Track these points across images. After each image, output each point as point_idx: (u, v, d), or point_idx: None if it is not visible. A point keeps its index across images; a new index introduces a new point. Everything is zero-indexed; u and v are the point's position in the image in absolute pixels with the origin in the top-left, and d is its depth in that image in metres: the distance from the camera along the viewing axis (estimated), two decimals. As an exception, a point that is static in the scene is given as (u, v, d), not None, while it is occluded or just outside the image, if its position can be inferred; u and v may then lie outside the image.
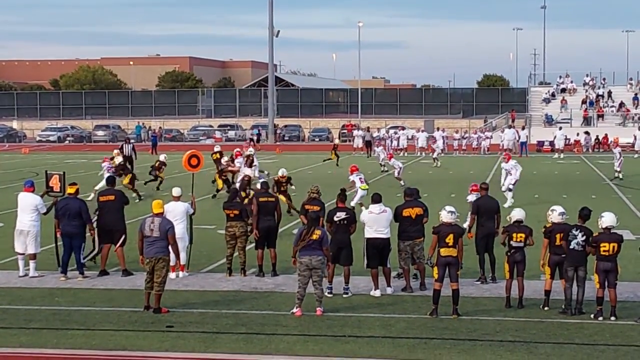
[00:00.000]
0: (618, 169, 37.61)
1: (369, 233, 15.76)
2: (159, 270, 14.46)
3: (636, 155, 55.07)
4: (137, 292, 15.44)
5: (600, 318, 13.86)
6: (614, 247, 13.84)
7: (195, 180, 21.56)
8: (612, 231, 14.02)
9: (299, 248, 14.33)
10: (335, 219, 15.83)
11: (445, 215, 14.49)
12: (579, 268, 14.22)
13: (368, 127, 63.34)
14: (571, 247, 14.25)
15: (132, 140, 46.64)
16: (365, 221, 15.82)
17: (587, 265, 14.32)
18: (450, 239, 14.14)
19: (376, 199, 16.01)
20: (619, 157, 37.73)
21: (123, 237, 17.64)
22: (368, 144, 57.63)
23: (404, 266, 16.16)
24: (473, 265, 17.13)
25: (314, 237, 14.27)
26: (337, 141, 56.12)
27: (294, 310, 14.22)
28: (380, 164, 42.26)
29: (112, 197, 17.98)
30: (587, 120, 71.31)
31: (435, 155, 48.34)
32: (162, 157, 34.01)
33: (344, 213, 15.89)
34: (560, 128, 61.18)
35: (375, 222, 15.69)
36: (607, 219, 14.10)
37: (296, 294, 14.30)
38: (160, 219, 14.79)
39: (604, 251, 13.85)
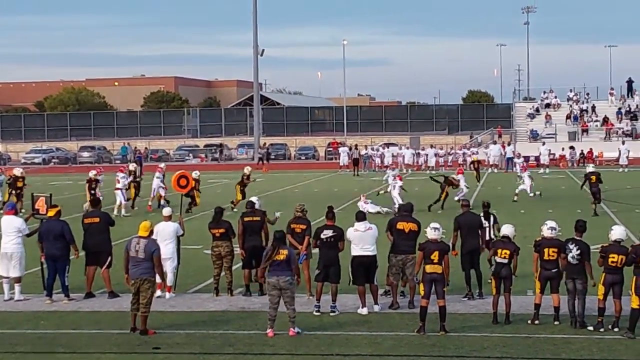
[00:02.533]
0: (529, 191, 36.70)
1: (355, 251, 15.76)
2: (144, 291, 14.40)
3: (621, 170, 55.30)
4: (124, 314, 15.37)
5: (602, 330, 13.91)
6: (622, 259, 13.91)
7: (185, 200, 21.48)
8: (621, 244, 14.11)
9: (266, 268, 14.29)
10: (323, 236, 15.85)
11: (430, 232, 14.54)
12: (576, 280, 14.31)
13: (356, 145, 63.37)
14: (568, 260, 14.39)
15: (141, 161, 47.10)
16: (351, 239, 15.83)
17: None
18: (435, 256, 14.18)
19: (360, 217, 16.03)
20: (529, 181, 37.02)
21: (109, 259, 17.57)
22: (356, 162, 57.59)
23: (393, 281, 16.19)
24: (460, 282, 17.15)
25: (280, 257, 14.16)
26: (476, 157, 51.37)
27: (267, 331, 14.16)
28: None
29: (96, 219, 17.90)
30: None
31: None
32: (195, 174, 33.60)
33: (331, 231, 15.89)
34: (544, 143, 61.41)
35: (361, 239, 15.70)
36: (617, 232, 14.28)
37: (267, 314, 14.27)
38: (146, 241, 14.75)
39: (612, 262, 13.94)
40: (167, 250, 16.82)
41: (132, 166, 35.80)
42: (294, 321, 14.18)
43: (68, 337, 14.34)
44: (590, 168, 33.74)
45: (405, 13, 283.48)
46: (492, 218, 18.24)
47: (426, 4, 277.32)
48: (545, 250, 14.58)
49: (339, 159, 62.48)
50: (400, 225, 16.20)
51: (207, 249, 18.57)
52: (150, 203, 33.70)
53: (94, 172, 33.35)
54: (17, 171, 34.51)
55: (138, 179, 34.90)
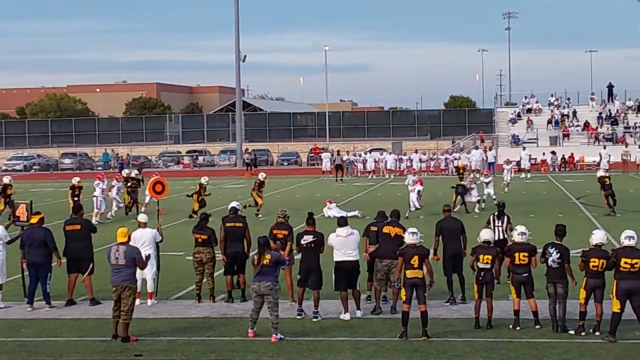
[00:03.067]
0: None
1: (338, 256, 15.77)
2: (125, 298, 14.35)
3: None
4: (105, 321, 15.31)
5: (583, 333, 13.97)
6: (603, 263, 13.97)
7: (167, 206, 21.44)
8: (601, 248, 14.17)
9: (254, 274, 14.39)
10: (303, 242, 15.88)
11: (409, 237, 14.57)
12: (557, 285, 14.37)
13: (338, 151, 63.43)
14: (548, 264, 14.43)
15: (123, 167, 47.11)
16: (334, 244, 15.84)
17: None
18: (415, 261, 14.21)
19: (342, 222, 16.05)
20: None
21: (91, 266, 17.50)
22: (338, 167, 57.58)
23: (377, 287, 16.25)
24: (442, 286, 17.18)
25: (265, 261, 14.29)
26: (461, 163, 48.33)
27: (248, 331, 14.35)
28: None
29: (77, 226, 17.82)
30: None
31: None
32: (203, 180, 33.43)
33: (311, 236, 15.91)
34: (524, 148, 61.77)
35: (343, 245, 15.71)
36: (597, 236, 14.32)
37: (249, 316, 14.47)
38: (126, 247, 14.70)
39: (594, 267, 14.00)
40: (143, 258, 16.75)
41: (125, 172, 35.64)
42: (277, 327, 14.17)
43: (49, 344, 14.27)
44: (600, 172, 33.93)
45: (386, 19, 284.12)
46: (505, 218, 18.52)
47: (408, 10, 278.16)
48: (516, 254, 14.69)
49: (321, 165, 62.53)
50: (386, 230, 16.28)
51: (189, 255, 18.55)
52: (158, 207, 33.51)
53: (77, 178, 33.30)
54: (6, 179, 34.38)
55: (135, 187, 34.77)
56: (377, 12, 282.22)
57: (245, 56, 78.22)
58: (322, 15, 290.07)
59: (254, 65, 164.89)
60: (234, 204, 18.86)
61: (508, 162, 45.07)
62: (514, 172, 39.45)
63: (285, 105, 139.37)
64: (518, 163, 59.07)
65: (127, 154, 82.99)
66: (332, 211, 31.71)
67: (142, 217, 17.67)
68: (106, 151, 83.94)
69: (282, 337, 14.15)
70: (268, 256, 14.36)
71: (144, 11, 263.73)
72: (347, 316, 15.58)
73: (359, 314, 15.73)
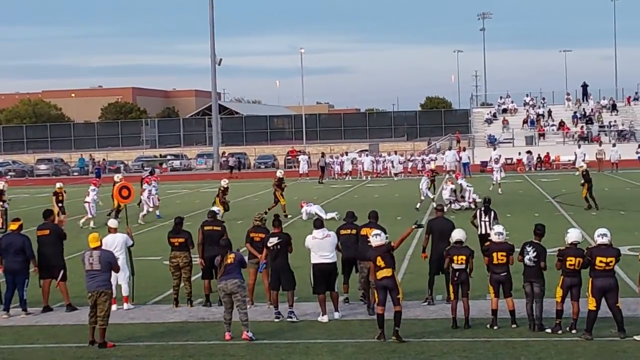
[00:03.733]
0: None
1: (314, 258, 15.76)
2: (101, 304, 14.28)
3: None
4: (82, 327, 15.22)
5: (560, 332, 14.04)
6: (579, 261, 14.03)
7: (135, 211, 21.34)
8: (577, 246, 14.24)
9: (219, 276, 14.44)
10: (269, 244, 15.95)
11: (373, 240, 14.54)
12: (534, 284, 14.42)
13: (322, 153, 63.49)
14: (525, 263, 14.48)
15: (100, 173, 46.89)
16: (310, 247, 15.83)
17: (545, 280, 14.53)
18: (380, 261, 14.17)
19: (318, 224, 16.07)
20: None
21: (62, 271, 17.38)
22: (322, 169, 57.77)
23: (359, 288, 16.37)
24: (420, 287, 17.27)
25: (229, 260, 14.37)
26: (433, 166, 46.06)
27: (225, 334, 14.35)
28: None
29: (46, 232, 17.71)
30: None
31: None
32: (223, 183, 33.32)
33: (277, 238, 15.96)
34: (495, 148, 62.08)
35: (320, 247, 15.71)
36: (573, 235, 14.36)
37: (223, 319, 14.51)
38: (100, 252, 14.64)
39: (570, 265, 14.06)
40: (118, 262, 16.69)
41: (117, 177, 35.46)
42: (246, 324, 14.23)
43: (25, 352, 14.18)
44: (585, 165, 35.49)
45: (362, 21, 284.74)
46: (492, 213, 19.07)
47: (383, 12, 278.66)
48: (494, 254, 14.73)
49: (299, 167, 62.54)
50: (364, 232, 16.30)
51: (167, 260, 18.49)
52: (157, 212, 34.26)
53: (59, 184, 33.28)
54: (1, 184, 34.21)
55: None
56: (352, 15, 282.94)
57: (220, 59, 78.11)
58: (298, 18, 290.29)
59: (230, 69, 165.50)
60: (214, 208, 18.88)
61: (497, 161, 45.13)
62: (456, 178, 39.14)
63: (261, 108, 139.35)
64: (483, 164, 59.32)
65: (103, 159, 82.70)
66: (313, 208, 31.79)
67: (112, 223, 17.59)
68: (82, 156, 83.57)
69: (252, 335, 14.20)
70: (232, 255, 14.46)
71: (118, 16, 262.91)
72: (325, 318, 15.57)
73: (337, 315, 15.72)
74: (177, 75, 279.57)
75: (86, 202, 32.34)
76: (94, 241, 14.76)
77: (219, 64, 78.12)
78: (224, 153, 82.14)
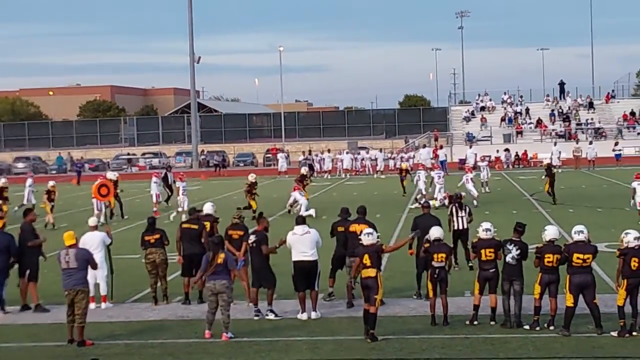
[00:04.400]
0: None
1: (294, 255, 15.76)
2: (79, 302, 14.24)
3: (554, 170, 56.06)
4: (60, 326, 15.15)
5: (538, 328, 14.12)
6: (557, 258, 14.13)
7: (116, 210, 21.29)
8: (555, 244, 14.32)
9: (208, 274, 14.36)
10: (249, 242, 16.08)
11: (364, 238, 14.56)
12: (514, 282, 14.48)
13: (310, 151, 63.48)
14: (507, 261, 14.52)
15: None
16: (291, 243, 15.83)
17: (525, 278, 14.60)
18: (366, 260, 14.20)
19: (299, 220, 16.09)
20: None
21: (28, 271, 17.23)
22: (310, 167, 57.66)
23: (348, 283, 16.46)
24: (399, 285, 17.37)
25: (219, 260, 14.36)
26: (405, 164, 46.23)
27: (205, 332, 14.30)
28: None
29: (19, 231, 17.63)
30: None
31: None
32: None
33: (254, 236, 16.03)
34: (471, 147, 62.36)
35: (299, 243, 15.69)
36: (550, 232, 14.48)
37: (206, 317, 14.44)
38: (75, 250, 14.59)
39: (548, 262, 14.15)
40: (96, 260, 16.62)
41: (112, 175, 35.40)
42: (227, 326, 14.25)
43: (3, 351, 14.12)
44: (548, 160, 35.40)
45: (340, 19, 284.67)
46: (467, 209, 20.17)
47: (361, 10, 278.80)
48: (482, 251, 14.76)
49: (278, 165, 62.52)
50: (353, 228, 16.39)
51: (144, 259, 18.43)
52: (155, 209, 34.08)
53: (52, 182, 33.27)
54: (1, 181, 34.10)
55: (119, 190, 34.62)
56: (330, 13, 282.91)
57: (199, 58, 77.97)
58: (276, 17, 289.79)
59: (209, 67, 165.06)
60: (205, 205, 18.97)
61: (483, 159, 45.22)
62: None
63: (240, 106, 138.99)
64: (462, 161, 59.51)
65: (82, 157, 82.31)
66: (301, 199, 32.28)
67: (91, 221, 17.55)
68: (60, 155, 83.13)
69: (232, 336, 14.21)
70: (222, 255, 14.46)
71: (96, 14, 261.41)
72: (304, 316, 15.59)
73: (314, 315, 15.67)
74: (155, 73, 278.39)
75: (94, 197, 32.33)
76: (70, 239, 14.70)
77: (198, 62, 77.98)
78: (202, 151, 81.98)
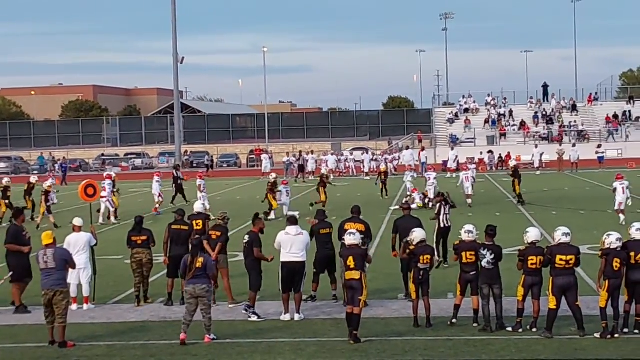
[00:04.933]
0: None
1: (284, 256, 15.70)
2: (58, 302, 14.15)
3: (539, 172, 56.39)
4: (41, 327, 15.04)
5: (520, 330, 14.13)
6: (540, 260, 14.15)
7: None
8: (537, 245, 14.34)
9: (188, 278, 14.20)
10: (243, 242, 15.93)
11: (348, 238, 14.56)
12: (493, 286, 14.49)
13: (300, 152, 63.50)
14: (483, 266, 14.51)
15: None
16: (282, 242, 15.78)
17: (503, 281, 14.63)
18: (350, 262, 14.18)
19: (292, 221, 16.05)
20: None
21: (11, 273, 17.16)
22: (301, 168, 57.85)
23: (343, 283, 16.42)
24: (382, 286, 17.35)
25: (198, 264, 14.18)
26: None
27: (180, 334, 14.08)
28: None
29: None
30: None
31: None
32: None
33: (248, 236, 16.01)
34: (452, 148, 62.53)
35: (291, 243, 15.66)
36: (532, 234, 14.45)
37: (182, 319, 14.25)
38: (53, 250, 14.49)
39: (532, 264, 14.15)
40: (80, 260, 16.58)
41: (112, 173, 35.69)
42: (210, 328, 14.14)
43: (-16, 352, 14.01)
44: (514, 162, 37.52)
45: (325, 20, 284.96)
46: (448, 207, 21.07)
47: (345, 11, 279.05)
48: (464, 253, 14.77)
49: (261, 166, 62.45)
50: (347, 226, 16.43)
51: (128, 259, 18.37)
52: (157, 207, 34.87)
53: (51, 180, 33.26)
54: (5, 181, 33.99)
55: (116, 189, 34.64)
56: (314, 14, 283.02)
57: (183, 58, 77.74)
58: (260, 17, 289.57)
59: (192, 67, 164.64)
60: (196, 204, 19.06)
61: (471, 161, 45.32)
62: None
63: (224, 107, 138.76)
64: (445, 163, 59.64)
65: (64, 157, 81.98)
66: (284, 198, 32.58)
67: (77, 221, 17.44)
68: (42, 155, 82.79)
69: (215, 337, 14.12)
70: (201, 259, 14.28)
71: (79, 13, 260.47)
72: (287, 317, 15.56)
73: (297, 317, 15.61)
74: (139, 74, 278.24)
75: (102, 197, 32.23)
76: (48, 239, 14.61)
77: (182, 62, 77.74)
78: (186, 152, 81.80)
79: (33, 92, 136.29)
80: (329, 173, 58.92)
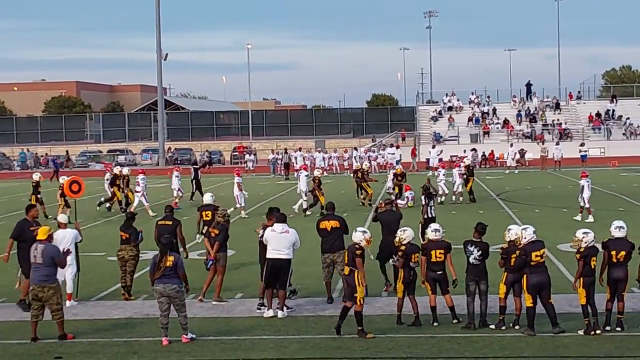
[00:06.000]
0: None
1: (270, 253, 15.68)
2: (49, 298, 14.12)
3: (512, 171, 56.40)
4: (24, 323, 14.99)
5: (503, 328, 14.18)
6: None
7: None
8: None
9: (156, 277, 13.89)
10: (258, 237, 16.30)
11: (356, 236, 14.63)
12: (479, 282, 14.53)
13: (285, 149, 63.35)
14: (470, 262, 14.55)
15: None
16: (268, 239, 15.78)
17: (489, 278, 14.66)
18: (345, 257, 14.28)
19: (281, 219, 16.02)
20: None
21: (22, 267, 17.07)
22: (286, 166, 57.52)
23: (324, 279, 16.65)
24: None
25: (168, 263, 13.92)
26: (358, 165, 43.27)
27: (162, 339, 13.84)
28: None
29: None
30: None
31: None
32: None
33: (262, 231, 16.14)
34: (434, 146, 62.62)
35: (276, 241, 15.66)
36: (514, 232, 14.51)
37: (159, 322, 13.98)
38: (45, 245, 14.43)
39: (514, 262, 14.20)
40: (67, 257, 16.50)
41: (125, 170, 35.52)
42: (186, 327, 13.95)
43: (-34, 349, 13.93)
44: (468, 161, 38.34)
45: (309, 17, 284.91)
46: (434, 200, 22.70)
47: (330, 9, 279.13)
48: (432, 252, 14.78)
49: (245, 164, 62.37)
50: (322, 225, 16.58)
51: (111, 256, 18.35)
52: (176, 201, 34.97)
53: (64, 177, 33.18)
54: (36, 176, 33.87)
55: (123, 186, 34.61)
56: (299, 11, 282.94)
57: (167, 54, 77.51)
58: (245, 14, 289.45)
59: (176, 64, 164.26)
60: (205, 196, 19.56)
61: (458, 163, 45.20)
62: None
63: (207, 104, 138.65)
64: (427, 161, 59.77)
65: (46, 153, 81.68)
66: (301, 183, 33.01)
67: (62, 218, 17.38)
68: (23, 150, 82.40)
69: (194, 336, 14.00)
70: (171, 258, 13.96)
71: (62, 9, 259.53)
72: (270, 313, 15.54)
73: (280, 314, 15.57)
74: (122, 70, 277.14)
75: (137, 191, 32.84)
76: (42, 234, 14.60)
77: (165, 59, 77.50)
78: (169, 149, 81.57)
79: (15, 88, 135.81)
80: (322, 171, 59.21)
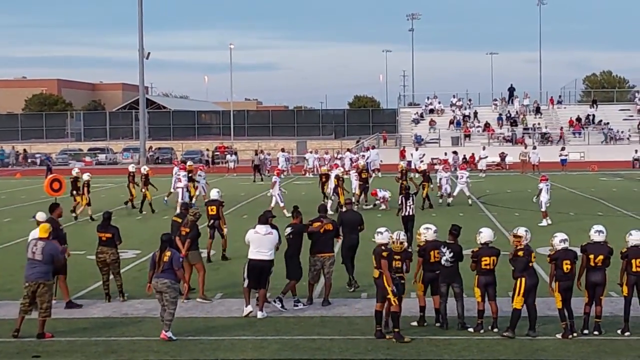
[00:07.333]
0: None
1: (252, 254, 15.72)
2: (42, 295, 14.15)
3: (482, 174, 56.38)
4: (3, 322, 14.94)
5: (482, 331, 14.23)
6: (493, 260, 14.28)
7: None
8: (490, 245, 14.45)
9: (157, 273, 14.20)
10: (285, 234, 16.49)
11: (376, 237, 14.66)
12: (452, 284, 14.59)
13: (262, 150, 63.08)
14: (442, 264, 14.60)
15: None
16: (250, 240, 15.78)
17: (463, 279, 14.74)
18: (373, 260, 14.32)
19: (263, 220, 16.03)
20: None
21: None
22: (257, 168, 55.73)
23: (310, 281, 16.70)
24: (345, 285, 17.43)
25: (165, 259, 14.22)
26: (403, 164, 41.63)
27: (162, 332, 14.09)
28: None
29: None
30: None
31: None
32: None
33: (290, 228, 16.45)
34: (417, 149, 62.71)
35: (259, 242, 15.70)
36: (485, 235, 14.59)
37: (160, 316, 14.25)
38: (44, 243, 14.43)
39: (486, 265, 14.29)
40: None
41: (144, 169, 35.45)
42: (169, 324, 14.01)
43: (-58, 346, 13.84)
44: (424, 166, 37.91)
45: (292, 18, 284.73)
46: (411, 199, 23.02)
47: (312, 10, 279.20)
48: (432, 252, 14.83)
49: (226, 163, 62.22)
50: (314, 227, 16.63)
51: (91, 254, 18.26)
52: (165, 198, 35.43)
53: (82, 172, 33.09)
54: (75, 172, 33.70)
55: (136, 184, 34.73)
56: (281, 11, 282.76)
57: (149, 53, 77.10)
58: (227, 14, 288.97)
59: (158, 63, 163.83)
60: (212, 191, 20.52)
61: (447, 166, 45.17)
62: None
63: (189, 103, 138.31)
64: (409, 164, 59.75)
65: (25, 150, 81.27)
66: (275, 190, 32.66)
67: (40, 215, 17.28)
68: (2, 148, 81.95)
69: (172, 337, 13.97)
70: (168, 253, 14.30)
71: (44, 5, 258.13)
72: (248, 309, 15.52)
73: (260, 314, 15.57)
74: (104, 68, 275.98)
75: (179, 187, 33.21)
76: (43, 232, 14.59)
77: (147, 58, 77.10)
78: (150, 147, 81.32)
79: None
80: (308, 172, 59.20)
